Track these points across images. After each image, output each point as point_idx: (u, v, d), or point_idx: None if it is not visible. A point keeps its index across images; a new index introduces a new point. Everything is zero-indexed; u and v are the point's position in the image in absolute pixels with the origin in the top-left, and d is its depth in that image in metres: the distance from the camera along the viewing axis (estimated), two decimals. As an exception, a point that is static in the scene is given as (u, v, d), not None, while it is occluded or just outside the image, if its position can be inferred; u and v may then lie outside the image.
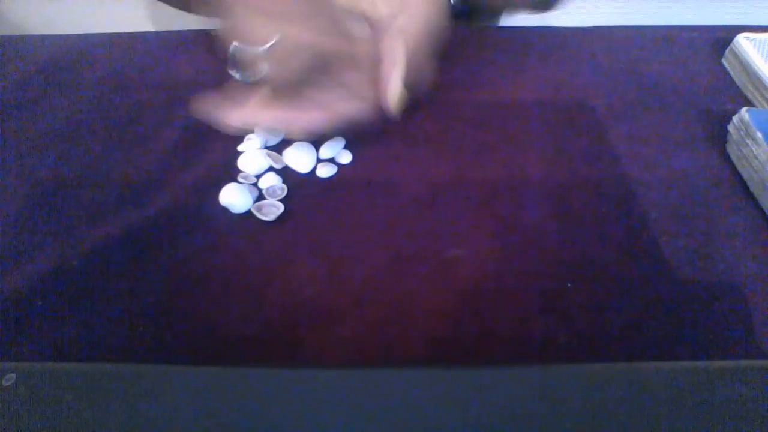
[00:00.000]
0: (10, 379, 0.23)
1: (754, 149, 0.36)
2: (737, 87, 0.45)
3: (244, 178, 0.37)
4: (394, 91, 0.34)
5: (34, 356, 0.28)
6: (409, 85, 0.35)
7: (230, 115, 0.35)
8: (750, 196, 0.36)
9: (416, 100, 0.37)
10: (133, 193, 0.36)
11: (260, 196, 0.36)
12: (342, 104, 0.35)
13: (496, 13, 0.52)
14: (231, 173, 0.38)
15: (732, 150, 0.39)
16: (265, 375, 0.24)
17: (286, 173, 0.38)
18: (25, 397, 0.23)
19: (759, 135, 0.35)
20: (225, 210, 0.35)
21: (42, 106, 0.44)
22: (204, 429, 0.22)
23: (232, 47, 0.31)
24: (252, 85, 0.34)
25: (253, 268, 0.32)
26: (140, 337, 0.29)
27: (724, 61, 0.48)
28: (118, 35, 0.53)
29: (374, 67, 0.34)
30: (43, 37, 0.53)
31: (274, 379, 0.24)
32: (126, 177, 0.38)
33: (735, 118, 0.38)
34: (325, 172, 0.38)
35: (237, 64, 0.32)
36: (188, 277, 0.32)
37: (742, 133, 0.37)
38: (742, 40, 0.45)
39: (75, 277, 0.32)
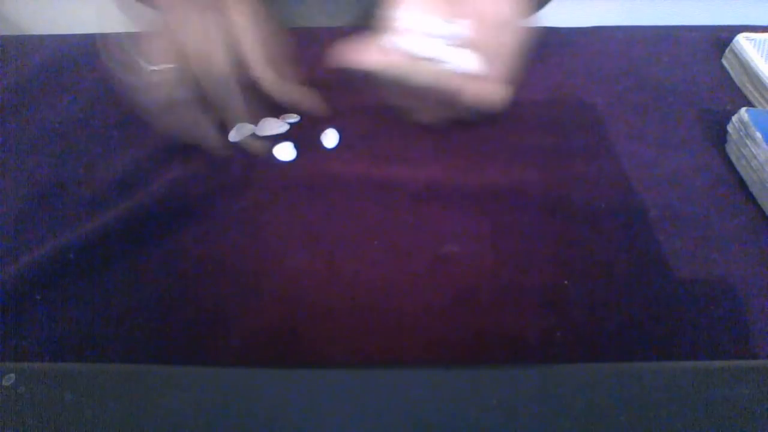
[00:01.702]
0: (10, 379, 0.23)
1: (753, 149, 0.36)
2: (737, 87, 0.45)
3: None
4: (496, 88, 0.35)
5: (34, 351, 0.28)
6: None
7: (367, 56, 0.36)
8: (749, 196, 0.36)
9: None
10: (132, 191, 0.37)
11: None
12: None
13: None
14: (228, 171, 0.38)
15: (731, 150, 0.39)
16: (265, 375, 0.24)
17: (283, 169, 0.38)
18: (25, 397, 0.23)
19: (758, 135, 0.35)
20: (224, 207, 0.35)
21: (42, 106, 0.44)
22: (204, 429, 0.22)
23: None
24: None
25: (251, 265, 0.32)
26: (139, 334, 0.29)
27: (724, 61, 0.48)
28: (118, 35, 0.53)
29: None
30: (43, 37, 0.53)
31: (274, 379, 0.24)
32: (126, 176, 0.38)
33: (734, 118, 0.38)
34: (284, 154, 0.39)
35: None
36: (187, 273, 0.32)
37: (741, 133, 0.37)
38: (742, 40, 0.45)
39: (74, 274, 0.32)
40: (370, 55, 0.35)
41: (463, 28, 0.36)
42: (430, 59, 0.36)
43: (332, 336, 0.29)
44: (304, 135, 0.41)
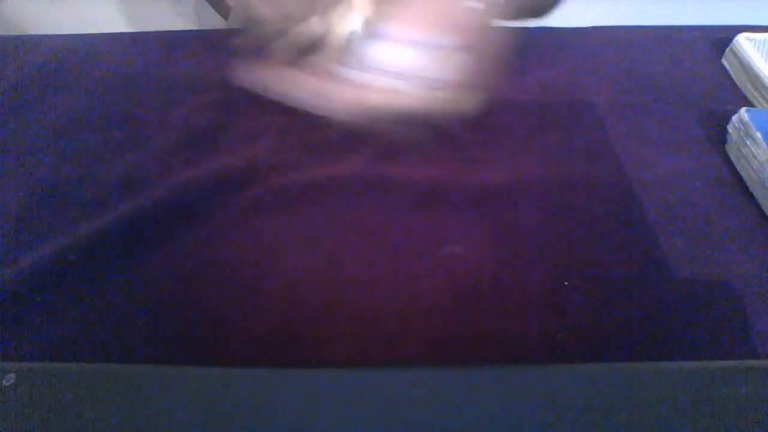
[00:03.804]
0: (10, 379, 0.23)
1: (753, 149, 0.36)
2: (737, 87, 0.45)
3: None
4: None
5: (34, 352, 0.28)
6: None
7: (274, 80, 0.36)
8: (749, 196, 0.36)
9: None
10: (132, 192, 0.37)
11: None
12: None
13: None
14: (228, 172, 0.38)
15: (731, 150, 0.39)
16: (265, 375, 0.24)
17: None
18: (25, 397, 0.23)
19: (758, 135, 0.35)
20: (224, 208, 0.35)
21: (42, 106, 0.44)
22: (204, 429, 0.22)
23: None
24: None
25: (251, 266, 0.32)
26: (139, 335, 0.29)
27: (724, 61, 0.48)
28: (118, 35, 0.53)
29: None
30: (43, 37, 0.53)
31: (274, 379, 0.24)
32: (126, 177, 0.38)
33: (734, 118, 0.38)
34: None
35: None
36: (187, 274, 0.32)
37: (741, 133, 0.37)
38: (742, 40, 0.45)
39: (74, 274, 0.32)
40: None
41: (438, 36, 0.36)
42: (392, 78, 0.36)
43: (333, 337, 0.29)
44: (303, 135, 0.41)
